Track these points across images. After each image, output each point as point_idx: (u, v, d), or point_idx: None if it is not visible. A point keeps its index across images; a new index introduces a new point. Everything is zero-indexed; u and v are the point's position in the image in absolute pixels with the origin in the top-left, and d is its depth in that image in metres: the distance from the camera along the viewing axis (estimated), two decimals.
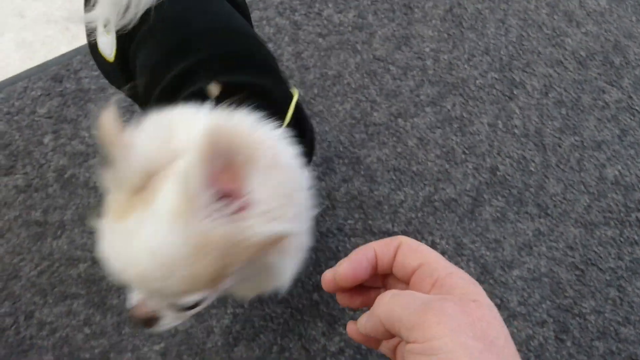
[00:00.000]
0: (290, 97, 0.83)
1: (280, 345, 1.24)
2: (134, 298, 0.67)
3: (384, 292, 0.37)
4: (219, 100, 0.70)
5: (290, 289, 1.21)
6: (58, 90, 1.46)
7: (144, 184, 0.60)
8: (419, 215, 1.38)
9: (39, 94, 1.46)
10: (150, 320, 0.67)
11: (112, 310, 1.25)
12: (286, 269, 0.73)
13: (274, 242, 0.62)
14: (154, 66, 0.85)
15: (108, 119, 0.57)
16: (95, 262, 1.27)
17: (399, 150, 1.45)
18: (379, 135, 1.46)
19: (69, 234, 1.31)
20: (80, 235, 1.31)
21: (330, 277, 0.43)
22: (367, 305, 0.42)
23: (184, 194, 0.55)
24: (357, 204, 1.38)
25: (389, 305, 0.36)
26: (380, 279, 0.44)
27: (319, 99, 1.49)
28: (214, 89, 0.73)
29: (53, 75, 1.48)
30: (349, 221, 1.36)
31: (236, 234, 0.58)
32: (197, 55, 0.81)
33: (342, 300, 0.45)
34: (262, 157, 0.62)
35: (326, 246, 1.33)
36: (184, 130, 0.64)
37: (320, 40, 1.56)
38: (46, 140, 1.41)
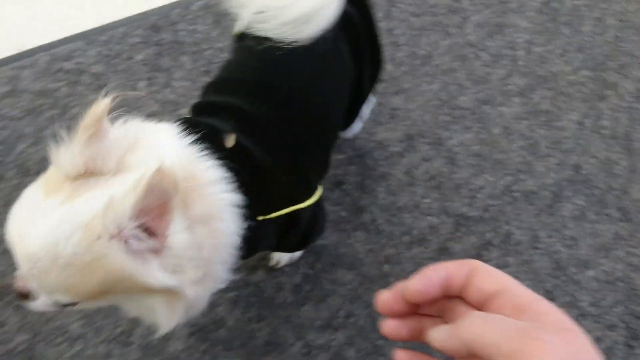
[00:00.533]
0: (289, 196, 0.83)
1: (347, 311, 1.25)
2: (20, 270, 0.65)
3: (470, 313, 0.36)
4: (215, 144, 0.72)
5: (362, 257, 1.22)
6: (155, 39, 1.51)
7: (83, 176, 0.61)
8: (497, 203, 1.37)
9: (137, 41, 1.51)
10: (25, 296, 0.66)
11: None
12: (163, 319, 0.70)
13: (165, 292, 0.64)
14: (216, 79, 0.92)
15: (101, 105, 0.59)
16: None
17: (482, 136, 1.44)
18: (463, 119, 1.45)
19: None
20: None
21: (388, 295, 0.41)
22: (414, 339, 0.42)
23: (108, 213, 0.56)
24: (435, 184, 1.38)
25: (481, 328, 0.34)
26: (436, 305, 0.42)
27: (407, 76, 1.49)
28: (229, 140, 0.75)
29: (152, 24, 1.52)
30: (426, 200, 1.36)
31: (133, 271, 0.59)
32: (242, 100, 0.83)
33: (390, 328, 0.42)
34: (198, 210, 0.64)
35: (401, 221, 1.33)
36: (145, 149, 0.65)
37: (414, 19, 1.56)
38: (140, 85, 1.45)
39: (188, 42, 1.50)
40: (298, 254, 1.25)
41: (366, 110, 1.26)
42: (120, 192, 0.56)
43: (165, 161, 0.55)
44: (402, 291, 0.40)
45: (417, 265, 1.28)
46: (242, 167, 0.72)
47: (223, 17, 1.53)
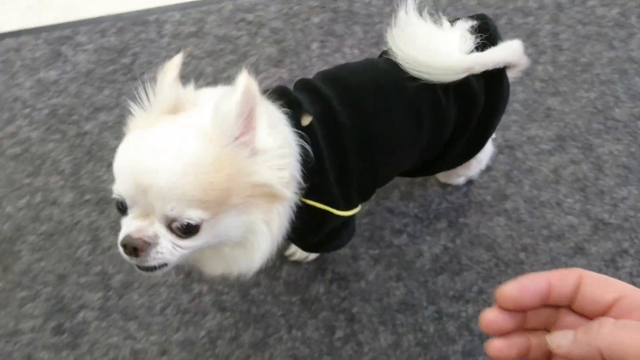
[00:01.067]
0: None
1: (479, 288, 1.32)
2: (130, 224, 0.70)
3: (600, 320, 0.34)
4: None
5: (500, 242, 1.29)
6: (332, 6, 1.61)
7: (169, 112, 0.72)
8: (639, 215, 1.40)
9: (315, 4, 1.61)
10: (144, 247, 0.68)
11: None
12: (260, 250, 0.77)
13: (266, 195, 0.72)
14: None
15: (178, 58, 0.73)
16: None
17: (632, 149, 1.47)
18: (615, 130, 1.49)
19: None
20: None
21: (492, 312, 0.40)
22: (522, 357, 0.40)
23: (215, 117, 0.66)
24: (580, 186, 1.43)
25: (617, 337, 0.32)
26: (542, 317, 0.40)
27: (566, 80, 1.53)
28: (305, 119, 0.82)
29: None
30: (568, 199, 1.41)
31: (245, 167, 0.68)
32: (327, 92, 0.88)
33: (496, 349, 0.40)
34: (270, 116, 0.74)
35: (542, 215, 1.39)
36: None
37: (580, 27, 1.60)
38: (313, 46, 1.56)
39: (362, 14, 1.59)
40: (312, 255, 1.29)
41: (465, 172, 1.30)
42: (220, 101, 0.66)
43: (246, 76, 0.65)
44: (497, 298, 0.38)
45: (552, 259, 1.34)
46: (305, 145, 0.79)
47: None
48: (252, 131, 0.68)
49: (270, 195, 0.72)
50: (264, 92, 0.78)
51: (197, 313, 1.32)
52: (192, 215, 0.67)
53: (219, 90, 0.79)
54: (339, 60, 1.53)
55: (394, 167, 0.99)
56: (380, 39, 1.57)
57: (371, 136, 0.87)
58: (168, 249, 0.70)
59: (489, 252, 1.35)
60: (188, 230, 0.69)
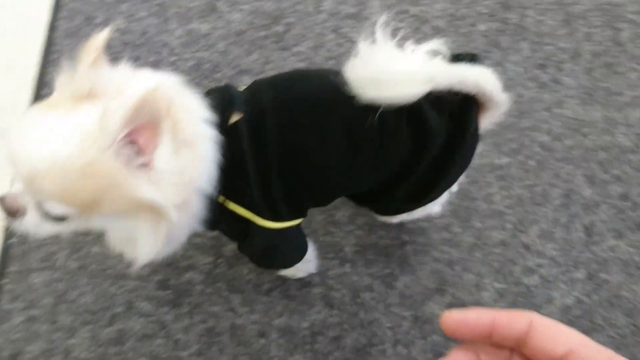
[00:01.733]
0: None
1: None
2: (12, 188, 0.70)
3: None
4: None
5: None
6: (501, 16, 1.51)
7: (85, 98, 0.66)
8: None
9: (484, 11, 1.51)
10: (15, 213, 0.70)
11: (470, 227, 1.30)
12: (142, 252, 0.75)
13: (149, 210, 0.68)
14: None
15: (100, 36, 0.69)
16: None
17: None
18: None
19: None
20: None
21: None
22: None
23: (103, 120, 0.62)
24: None
25: None
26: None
27: None
28: (233, 117, 0.78)
29: (503, 1, 1.52)
30: None
31: (124, 180, 0.64)
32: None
33: None
34: (183, 132, 0.68)
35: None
36: (149, 81, 0.70)
37: None
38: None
39: (532, 30, 1.49)
40: (300, 274, 1.25)
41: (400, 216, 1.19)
42: (114, 104, 0.62)
43: (164, 86, 0.62)
44: (441, 323, 0.38)
45: None
46: (227, 144, 0.75)
47: (575, 20, 1.49)
48: (152, 145, 0.65)
49: (155, 210, 0.69)
50: (206, 93, 0.78)
51: (304, 303, 1.27)
52: (54, 207, 0.66)
53: (147, 82, 0.72)
54: (498, 74, 1.43)
55: (324, 187, 0.90)
56: (547, 61, 1.46)
57: (296, 148, 0.81)
58: (32, 224, 0.70)
59: (627, 317, 1.23)
60: (51, 217, 0.68)
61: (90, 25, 1.53)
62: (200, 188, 0.75)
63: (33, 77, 1.49)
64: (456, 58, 0.81)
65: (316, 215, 1.33)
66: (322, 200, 1.00)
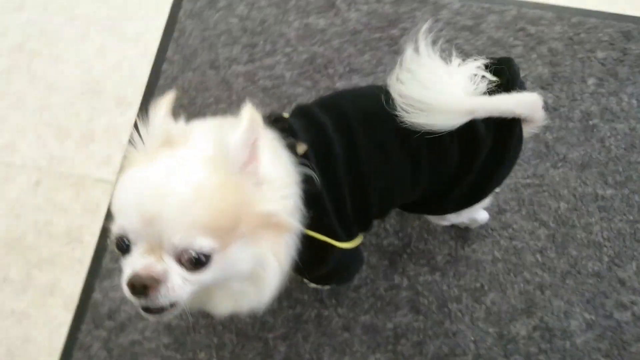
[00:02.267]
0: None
1: None
2: (136, 261, 0.66)
3: None
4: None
5: None
6: (622, 46, 1.48)
7: (161, 146, 0.69)
8: None
9: (604, 39, 1.49)
10: (154, 284, 0.64)
11: (567, 254, 1.29)
12: (270, 283, 0.74)
13: (276, 225, 0.70)
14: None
15: (170, 96, 0.72)
16: (604, 210, 1.31)
17: None
18: None
19: (566, 170, 1.36)
20: (575, 179, 1.35)
21: None
22: None
23: (220, 146, 0.65)
24: None
25: None
26: None
27: None
28: (300, 147, 0.78)
29: (625, 31, 1.49)
30: None
31: (251, 196, 0.67)
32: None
33: None
34: (270, 145, 0.74)
35: None
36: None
37: None
38: (589, 81, 1.45)
39: None
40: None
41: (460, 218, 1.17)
42: (223, 130, 0.67)
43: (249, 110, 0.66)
44: None
45: None
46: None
47: None
48: (255, 161, 0.68)
49: (276, 225, 0.71)
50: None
51: (390, 304, 1.29)
52: (203, 244, 0.64)
53: (208, 123, 0.78)
54: (612, 104, 1.41)
55: (390, 201, 0.94)
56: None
57: (363, 171, 0.83)
58: (178, 285, 0.66)
59: None
60: (198, 262, 0.65)
61: (212, 8, 1.59)
62: (298, 192, 0.76)
63: (153, 52, 1.57)
64: (497, 69, 0.83)
65: (412, 221, 1.35)
66: (384, 213, 1.02)
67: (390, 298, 1.30)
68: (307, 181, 0.76)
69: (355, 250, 0.93)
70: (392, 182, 0.87)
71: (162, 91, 1.46)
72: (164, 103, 0.71)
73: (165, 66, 1.54)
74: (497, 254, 1.32)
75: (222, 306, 0.80)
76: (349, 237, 0.87)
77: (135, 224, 0.64)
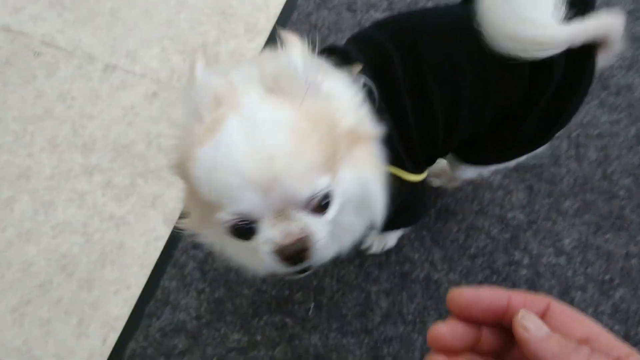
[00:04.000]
0: None
1: None
2: (273, 236, 0.59)
3: (576, 346, 0.31)
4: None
5: None
6: None
7: (213, 110, 0.59)
8: None
9: None
10: (305, 244, 0.58)
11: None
12: (378, 198, 0.68)
13: (358, 139, 0.63)
14: None
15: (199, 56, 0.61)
16: None
17: None
18: None
19: None
20: None
21: (443, 327, 0.36)
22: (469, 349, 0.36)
23: (281, 78, 0.58)
24: None
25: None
26: (496, 343, 0.36)
27: None
28: (355, 68, 0.70)
29: None
30: None
31: (330, 116, 0.60)
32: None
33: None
34: (324, 69, 0.65)
35: None
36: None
37: None
38: None
39: None
40: (390, 242, 1.18)
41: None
42: (276, 64, 0.59)
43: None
44: (449, 299, 0.35)
45: None
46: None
47: None
48: (318, 81, 0.61)
49: (361, 138, 0.64)
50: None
51: (507, 280, 1.20)
52: (323, 182, 0.58)
53: (245, 68, 0.66)
54: None
55: (456, 125, 0.81)
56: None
57: (429, 92, 0.75)
58: (320, 230, 0.60)
59: None
60: (325, 203, 0.60)
61: None
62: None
63: None
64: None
65: (541, 198, 1.25)
66: (451, 145, 0.89)
67: (507, 274, 1.20)
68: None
69: (423, 186, 0.86)
70: (460, 103, 0.78)
71: (295, 25, 1.42)
72: (197, 64, 0.60)
73: (301, 1, 1.49)
74: (632, 249, 1.20)
75: (325, 251, 0.71)
76: (416, 169, 0.80)
77: (252, 202, 0.56)
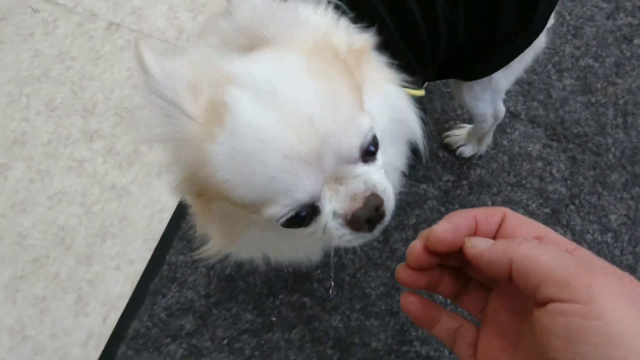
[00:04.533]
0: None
1: None
2: (340, 206, 0.49)
3: (525, 237, 0.34)
4: None
5: None
6: None
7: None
8: None
9: None
10: (376, 200, 0.49)
11: None
12: (412, 117, 0.60)
13: (361, 51, 0.55)
14: None
15: None
16: None
17: None
18: None
19: None
20: None
21: (418, 248, 0.37)
22: (430, 289, 0.39)
23: (257, 20, 0.50)
24: None
25: (534, 251, 0.32)
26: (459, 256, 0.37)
27: None
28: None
29: None
30: None
31: (328, 40, 0.52)
32: None
33: (407, 275, 0.38)
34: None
35: None
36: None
37: None
38: None
39: None
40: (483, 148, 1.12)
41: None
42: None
43: None
44: (427, 239, 0.37)
45: None
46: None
47: None
48: (290, 11, 0.52)
49: (361, 57, 0.56)
50: None
51: None
52: (366, 121, 0.49)
53: (204, 40, 0.56)
54: None
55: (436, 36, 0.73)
56: None
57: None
58: (383, 178, 0.52)
59: None
60: (374, 143, 0.51)
61: None
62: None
63: None
64: None
65: (585, 170, 1.14)
66: (435, 61, 0.79)
67: None
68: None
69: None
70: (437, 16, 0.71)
71: None
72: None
73: None
74: None
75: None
76: (424, 78, 0.73)
77: (308, 180, 0.47)
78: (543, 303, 0.31)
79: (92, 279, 1.12)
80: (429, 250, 0.37)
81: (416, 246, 0.38)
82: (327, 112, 0.46)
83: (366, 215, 0.49)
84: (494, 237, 0.36)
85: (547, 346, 0.30)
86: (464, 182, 1.15)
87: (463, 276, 0.40)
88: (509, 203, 1.12)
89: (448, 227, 0.36)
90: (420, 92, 0.68)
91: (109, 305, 1.10)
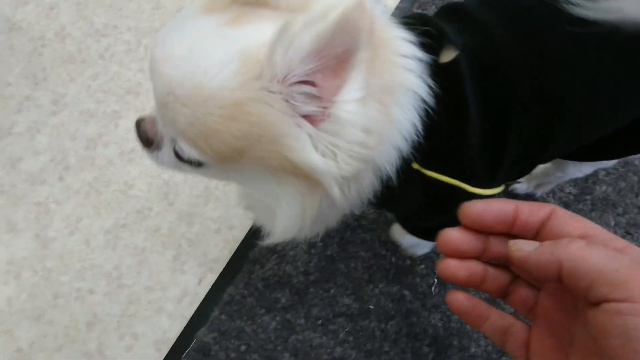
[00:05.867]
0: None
1: None
2: (150, 112, 0.56)
3: (572, 238, 0.33)
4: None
5: None
6: None
7: (255, 4, 0.48)
8: None
9: None
10: (147, 142, 0.57)
11: None
12: (283, 222, 0.55)
13: (304, 180, 0.48)
14: None
15: None
16: None
17: None
18: None
19: None
20: None
21: (456, 231, 0.38)
22: (472, 285, 0.38)
23: (279, 46, 0.41)
24: None
25: (583, 252, 0.31)
26: (504, 250, 0.36)
27: None
28: (448, 53, 0.54)
29: None
30: None
31: (283, 134, 0.45)
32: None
33: (449, 266, 0.38)
34: (381, 74, 0.47)
35: None
36: None
37: None
38: None
39: None
40: (423, 249, 1.00)
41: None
42: (300, 22, 0.40)
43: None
44: (461, 212, 0.37)
45: None
46: (440, 92, 0.52)
47: None
48: (336, 85, 0.43)
49: (313, 180, 0.49)
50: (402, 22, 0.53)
51: None
52: (184, 149, 0.49)
53: None
54: None
55: (577, 133, 0.64)
56: None
57: (552, 89, 0.56)
58: (166, 162, 0.56)
59: None
60: (181, 159, 0.51)
61: None
62: (386, 154, 0.52)
63: None
64: None
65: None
66: (562, 151, 0.72)
67: None
68: (443, 102, 0.53)
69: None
70: (596, 98, 0.59)
71: None
72: None
73: None
74: None
75: (253, 203, 0.69)
76: (488, 183, 0.62)
77: (150, 77, 0.51)
78: (596, 303, 0.30)
79: (192, 238, 1.12)
80: (465, 230, 0.37)
81: (450, 230, 0.38)
82: (176, 99, 0.46)
83: (137, 130, 0.58)
84: (537, 232, 0.36)
85: (605, 346, 0.30)
86: (587, 197, 1.08)
87: (509, 274, 0.39)
88: (634, 226, 1.05)
89: (479, 203, 0.37)
90: (484, 191, 0.61)
91: (206, 267, 1.10)
